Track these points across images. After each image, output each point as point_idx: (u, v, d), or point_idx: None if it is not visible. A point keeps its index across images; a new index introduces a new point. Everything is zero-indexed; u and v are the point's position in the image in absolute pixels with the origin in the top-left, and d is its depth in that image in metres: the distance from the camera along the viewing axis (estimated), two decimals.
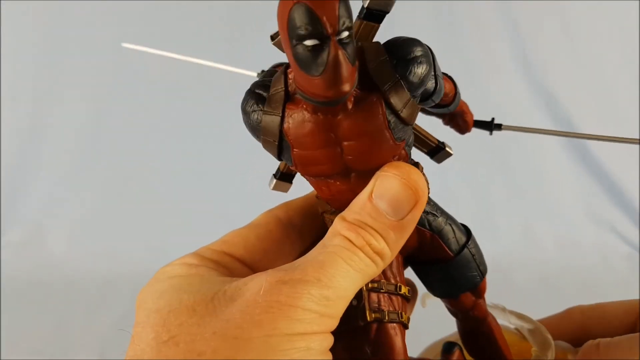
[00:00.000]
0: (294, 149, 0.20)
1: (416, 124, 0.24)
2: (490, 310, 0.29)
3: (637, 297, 0.73)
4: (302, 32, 0.16)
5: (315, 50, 0.17)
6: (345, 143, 0.20)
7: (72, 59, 0.92)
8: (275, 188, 0.25)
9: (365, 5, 0.20)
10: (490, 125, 0.30)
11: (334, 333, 0.19)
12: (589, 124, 0.95)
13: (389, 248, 0.19)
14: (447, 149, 0.27)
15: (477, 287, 0.25)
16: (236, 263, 0.21)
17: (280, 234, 0.23)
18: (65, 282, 0.76)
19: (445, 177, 0.93)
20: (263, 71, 0.26)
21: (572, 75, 0.95)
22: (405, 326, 0.23)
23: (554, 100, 0.95)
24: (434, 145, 0.27)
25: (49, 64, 0.92)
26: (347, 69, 0.17)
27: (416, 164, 0.23)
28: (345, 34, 0.17)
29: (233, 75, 1.00)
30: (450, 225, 0.25)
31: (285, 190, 0.24)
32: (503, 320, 0.32)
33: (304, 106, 0.19)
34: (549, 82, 0.95)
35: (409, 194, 0.19)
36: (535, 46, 0.94)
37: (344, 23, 0.17)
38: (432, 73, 0.21)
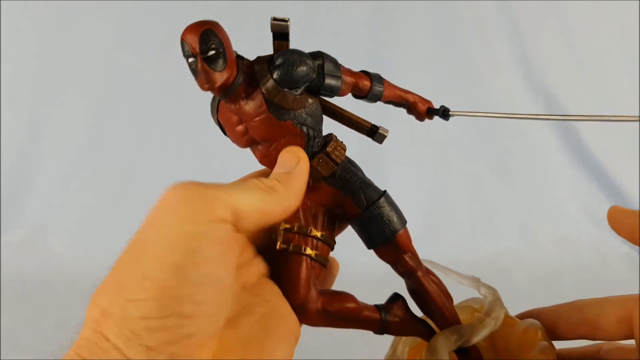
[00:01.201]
0: (226, 128, 0.30)
1: (349, 112, 0.32)
2: (463, 280, 0.35)
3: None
4: (185, 54, 0.27)
5: (193, 64, 0.27)
6: (247, 124, 0.29)
7: (72, 59, 0.92)
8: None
9: (271, 30, 0.29)
10: (439, 112, 0.35)
11: (272, 251, 0.28)
12: (588, 124, 0.95)
13: (280, 185, 0.26)
14: (381, 131, 0.32)
15: (389, 241, 0.30)
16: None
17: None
18: (66, 281, 0.76)
19: (445, 178, 0.93)
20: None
21: (571, 76, 0.95)
22: (315, 260, 0.29)
23: (553, 100, 0.95)
24: (368, 128, 0.32)
25: (49, 64, 0.92)
26: (211, 74, 0.26)
27: (329, 135, 0.30)
28: (211, 52, 0.26)
29: None
30: (361, 188, 0.30)
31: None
32: (474, 290, 0.35)
33: (224, 107, 0.29)
34: (548, 82, 0.95)
35: (291, 156, 0.27)
36: (536, 46, 0.94)
37: (209, 46, 0.26)
38: (309, 73, 0.28)
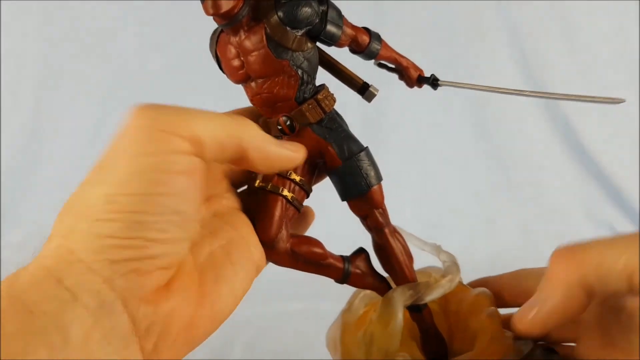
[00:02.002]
0: (222, 62, 0.30)
1: (343, 66, 0.33)
2: (425, 246, 0.37)
3: None
4: None
5: None
6: (244, 57, 0.29)
7: (74, 59, 0.92)
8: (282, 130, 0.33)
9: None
10: (429, 81, 0.36)
11: (251, 187, 0.30)
12: (588, 125, 0.96)
13: (269, 145, 0.26)
14: (372, 89, 0.33)
15: (364, 195, 0.31)
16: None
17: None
18: None
19: (445, 178, 0.93)
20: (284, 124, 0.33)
21: (570, 76, 0.95)
22: (290, 203, 0.30)
23: (552, 102, 0.95)
24: (359, 84, 0.33)
25: (50, 63, 0.93)
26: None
27: (322, 85, 0.31)
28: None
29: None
30: (344, 139, 0.31)
31: None
32: (435, 257, 0.38)
33: (224, 38, 0.29)
34: (547, 83, 0.95)
35: (297, 147, 0.28)
36: (534, 47, 0.94)
37: None
38: (313, 15, 0.29)
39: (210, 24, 0.93)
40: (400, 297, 0.31)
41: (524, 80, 0.95)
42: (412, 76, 0.35)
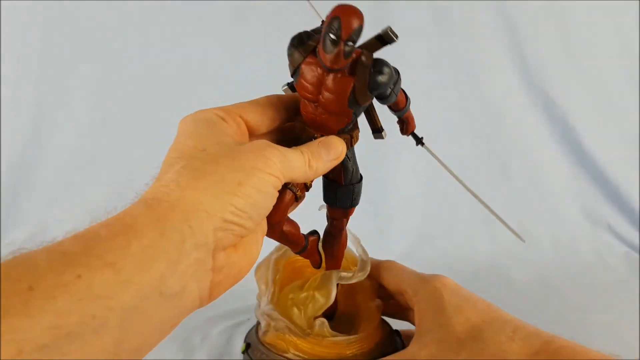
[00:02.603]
0: (301, 77, 0.36)
1: (374, 110, 0.40)
2: (350, 235, 0.49)
3: (636, 297, 0.73)
4: (332, 29, 0.31)
5: (333, 41, 0.31)
6: (324, 91, 0.35)
7: (75, 58, 0.92)
8: (284, 91, 0.41)
9: (381, 33, 0.34)
10: (417, 139, 0.47)
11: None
12: (586, 124, 0.96)
13: (317, 167, 0.35)
14: (383, 133, 0.42)
15: (345, 209, 0.43)
16: (243, 124, 0.36)
17: (273, 110, 0.37)
18: None
19: (444, 178, 0.93)
20: (288, 84, 0.41)
21: (569, 77, 0.96)
22: (297, 198, 0.38)
23: (550, 102, 0.95)
24: (376, 127, 0.41)
25: (52, 63, 0.93)
26: (341, 59, 0.32)
27: (357, 124, 0.39)
28: (350, 43, 0.32)
29: (235, 78, 1.01)
30: (353, 169, 0.41)
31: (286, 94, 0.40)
32: (356, 248, 0.51)
33: (316, 61, 0.35)
34: (545, 84, 0.95)
35: (339, 149, 0.36)
36: (533, 48, 0.95)
37: (351, 38, 0.32)
38: (390, 87, 0.35)
39: (210, 24, 0.92)
40: (335, 279, 0.46)
41: (523, 80, 0.96)
42: (409, 130, 0.45)
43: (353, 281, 0.47)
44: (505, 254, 0.87)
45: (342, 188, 0.41)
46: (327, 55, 0.32)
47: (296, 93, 0.37)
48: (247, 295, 0.57)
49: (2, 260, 0.22)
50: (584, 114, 0.96)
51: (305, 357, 0.45)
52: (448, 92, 0.95)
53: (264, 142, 0.32)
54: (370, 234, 0.89)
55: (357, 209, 0.71)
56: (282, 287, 0.50)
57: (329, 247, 0.47)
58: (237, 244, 0.31)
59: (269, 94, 0.38)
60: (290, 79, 0.38)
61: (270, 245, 0.49)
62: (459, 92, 0.95)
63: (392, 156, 0.90)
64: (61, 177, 0.93)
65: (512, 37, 0.94)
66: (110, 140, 0.94)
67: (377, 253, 0.86)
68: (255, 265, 0.40)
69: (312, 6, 0.46)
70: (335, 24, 0.31)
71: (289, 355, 0.45)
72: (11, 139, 0.93)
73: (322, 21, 0.37)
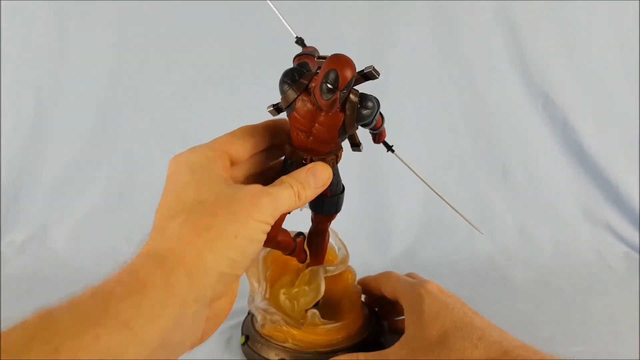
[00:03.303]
0: (294, 111, 0.40)
1: (355, 132, 0.45)
2: (330, 232, 0.53)
3: (636, 297, 0.73)
4: (329, 79, 0.36)
5: (330, 90, 0.36)
6: (316, 124, 0.40)
7: (75, 58, 0.92)
8: (270, 112, 0.44)
9: (365, 72, 0.38)
10: (388, 147, 0.49)
11: None
12: (586, 124, 0.96)
13: (306, 196, 0.38)
14: (360, 147, 0.46)
15: (330, 216, 0.49)
16: (227, 159, 0.38)
17: (250, 140, 0.40)
18: (68, 280, 0.76)
19: (444, 178, 0.93)
20: (273, 105, 0.44)
21: (569, 77, 0.96)
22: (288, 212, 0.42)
23: (550, 102, 0.95)
24: (355, 142, 0.46)
25: (52, 62, 0.93)
26: (336, 103, 0.38)
27: (341, 146, 0.44)
28: (345, 91, 0.37)
29: (235, 79, 1.01)
30: (337, 182, 0.46)
31: (273, 115, 0.44)
32: (335, 242, 0.58)
33: (310, 99, 0.39)
34: (545, 84, 0.95)
35: (325, 175, 0.40)
36: (533, 48, 0.95)
37: (348, 89, 0.37)
38: (372, 117, 0.40)
39: (210, 24, 0.91)
40: (322, 273, 0.52)
41: (523, 80, 0.96)
42: (380, 140, 0.48)
43: (336, 272, 0.54)
44: (505, 254, 0.87)
45: (328, 199, 0.47)
46: (324, 100, 0.37)
47: (268, 121, 0.43)
48: (246, 296, 0.58)
49: (29, 319, 0.27)
50: (584, 114, 0.96)
51: (302, 345, 0.51)
52: (448, 92, 0.95)
53: (258, 189, 0.35)
54: (371, 234, 0.90)
55: (357, 210, 0.85)
56: (272, 283, 0.55)
57: (314, 245, 0.53)
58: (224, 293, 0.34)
59: (242, 125, 0.42)
60: (276, 101, 0.43)
61: None
62: (459, 92, 0.95)
63: (392, 158, 0.90)
64: (61, 177, 0.93)
65: (512, 37, 0.94)
66: (110, 141, 0.94)
67: (377, 253, 0.86)
68: None
69: (272, 6, 0.50)
70: (332, 76, 0.36)
71: (287, 345, 0.51)
72: (11, 138, 0.93)
73: (298, 39, 0.48)
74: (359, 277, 0.60)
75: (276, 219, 0.35)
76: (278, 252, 0.53)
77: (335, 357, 0.49)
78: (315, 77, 0.39)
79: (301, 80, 0.40)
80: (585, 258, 0.87)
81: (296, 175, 0.38)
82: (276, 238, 0.45)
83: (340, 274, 0.55)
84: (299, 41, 0.49)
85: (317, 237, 0.53)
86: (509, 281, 0.78)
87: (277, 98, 0.50)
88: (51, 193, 0.93)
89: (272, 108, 0.45)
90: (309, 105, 0.39)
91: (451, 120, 0.96)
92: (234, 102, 0.92)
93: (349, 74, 0.36)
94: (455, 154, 0.96)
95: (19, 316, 0.27)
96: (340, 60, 0.37)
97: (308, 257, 0.54)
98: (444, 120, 0.96)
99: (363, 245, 0.87)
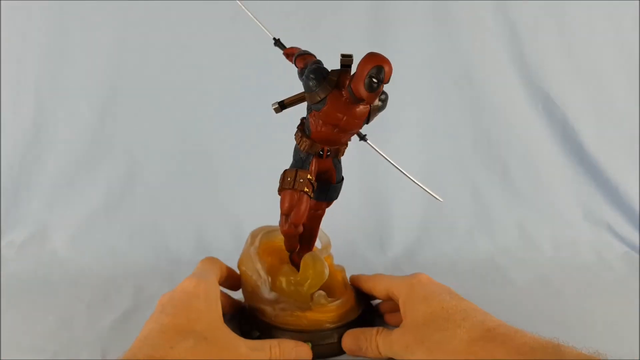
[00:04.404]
0: (329, 106, 0.44)
1: None
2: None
3: (636, 297, 0.73)
4: (374, 74, 0.41)
5: (376, 84, 0.41)
6: (345, 117, 0.45)
7: (75, 58, 0.92)
8: (275, 109, 0.49)
9: (341, 64, 0.44)
10: (361, 136, 0.53)
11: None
12: (586, 124, 0.96)
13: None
14: (366, 137, 0.52)
15: (331, 201, 0.55)
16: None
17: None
18: (68, 280, 0.76)
19: (444, 178, 0.93)
20: (278, 102, 0.49)
21: (569, 77, 0.96)
22: (311, 197, 0.50)
23: (550, 102, 0.95)
24: (362, 134, 0.52)
25: (52, 63, 0.93)
26: (377, 97, 0.43)
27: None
28: (385, 85, 0.42)
29: (233, 78, 1.01)
30: (340, 171, 0.53)
31: (277, 112, 0.50)
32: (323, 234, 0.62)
33: (345, 94, 0.44)
34: (545, 84, 0.95)
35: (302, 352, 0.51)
36: (533, 48, 0.94)
37: (387, 81, 0.42)
38: (385, 107, 0.47)
39: (208, 25, 0.91)
40: (319, 255, 0.56)
41: (523, 80, 0.96)
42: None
43: (324, 255, 0.59)
44: (505, 254, 0.87)
45: (333, 186, 0.53)
46: (369, 93, 0.42)
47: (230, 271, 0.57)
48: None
49: None
50: (584, 114, 0.96)
51: (316, 324, 0.54)
52: (448, 92, 0.95)
53: (245, 349, 0.45)
54: (371, 234, 0.90)
55: (357, 210, 0.88)
56: (274, 275, 0.58)
57: (308, 231, 0.58)
58: None
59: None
60: (280, 98, 0.47)
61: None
62: (459, 91, 0.95)
63: (391, 157, 0.90)
64: (61, 177, 0.93)
65: (512, 37, 0.94)
66: (110, 140, 0.93)
67: (377, 253, 0.86)
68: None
69: (243, 6, 0.52)
70: (380, 71, 0.41)
71: (302, 326, 0.54)
72: (11, 138, 0.93)
73: (280, 47, 0.54)
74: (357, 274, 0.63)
75: None
76: (269, 245, 0.60)
77: (353, 330, 0.54)
78: (344, 74, 0.44)
79: (330, 77, 0.44)
80: (585, 258, 0.87)
81: (283, 345, 0.49)
82: (301, 225, 0.51)
83: (325, 258, 0.60)
84: (277, 42, 0.54)
85: (313, 223, 0.57)
86: (509, 281, 0.78)
87: (276, 97, 0.51)
88: (51, 193, 0.93)
89: (277, 105, 0.49)
90: (342, 99, 0.44)
91: (451, 120, 0.96)
92: (233, 102, 0.92)
93: (390, 69, 0.41)
94: (455, 154, 0.96)
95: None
96: (381, 57, 0.41)
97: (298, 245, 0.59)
98: (444, 121, 0.95)
99: (363, 245, 0.87)
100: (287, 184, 0.49)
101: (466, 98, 0.95)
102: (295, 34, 0.56)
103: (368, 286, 0.59)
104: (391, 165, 0.54)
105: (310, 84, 0.44)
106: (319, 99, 0.44)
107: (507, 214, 0.94)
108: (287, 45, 0.54)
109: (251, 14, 0.54)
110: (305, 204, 0.48)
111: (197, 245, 0.87)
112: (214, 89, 0.93)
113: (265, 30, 0.55)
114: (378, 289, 0.57)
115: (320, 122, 0.46)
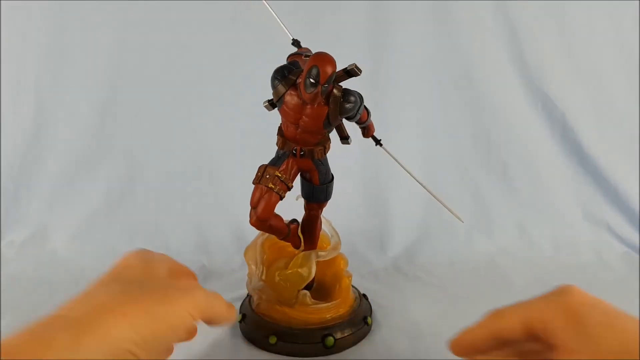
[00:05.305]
0: (285, 105, 0.46)
1: (342, 123, 0.51)
2: (323, 219, 0.59)
3: (636, 297, 0.73)
4: (311, 75, 0.41)
5: (312, 84, 0.42)
6: (303, 117, 0.45)
7: (75, 58, 0.92)
8: (266, 107, 0.50)
9: (348, 69, 0.44)
10: (376, 141, 0.55)
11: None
12: (586, 124, 0.96)
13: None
14: (349, 140, 0.52)
15: (320, 203, 0.55)
16: None
17: None
18: (69, 280, 0.76)
19: (444, 178, 0.93)
20: (268, 101, 0.49)
21: (568, 77, 0.95)
22: (281, 198, 0.50)
23: (550, 102, 0.95)
24: (344, 135, 0.52)
25: (52, 63, 0.93)
26: (318, 96, 0.43)
27: (327, 139, 0.51)
28: (326, 85, 0.42)
29: (233, 78, 1.00)
30: (325, 172, 0.52)
31: (269, 110, 0.51)
32: (329, 230, 0.63)
33: (297, 93, 0.44)
34: (545, 84, 0.95)
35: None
36: (533, 48, 0.94)
37: (327, 82, 0.42)
38: (355, 111, 0.46)
39: (208, 25, 0.91)
40: (314, 257, 0.57)
41: (523, 80, 0.96)
42: (369, 134, 0.55)
43: (328, 258, 0.59)
44: (505, 254, 0.87)
45: (317, 187, 0.53)
46: (307, 94, 0.42)
47: None
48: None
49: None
50: (584, 114, 0.96)
51: (294, 322, 0.55)
52: (448, 92, 0.95)
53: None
54: (371, 234, 0.90)
55: (357, 209, 0.88)
56: (269, 266, 0.59)
57: (307, 231, 0.58)
58: None
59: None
60: (270, 97, 0.48)
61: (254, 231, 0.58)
62: (459, 91, 0.95)
63: (391, 158, 0.90)
64: (61, 177, 0.93)
65: (512, 37, 0.94)
66: (110, 140, 0.93)
67: (377, 253, 0.86)
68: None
69: (268, 5, 0.53)
70: (314, 72, 0.41)
71: (281, 322, 0.55)
72: (11, 138, 0.93)
73: (294, 40, 0.53)
74: (357, 274, 0.63)
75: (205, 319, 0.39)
76: (275, 239, 0.58)
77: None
78: (301, 74, 0.44)
79: (290, 76, 0.45)
80: (585, 258, 0.87)
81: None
82: (269, 222, 0.49)
83: (332, 260, 0.60)
84: (295, 43, 0.54)
85: (310, 223, 0.58)
86: (508, 281, 0.78)
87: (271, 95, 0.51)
88: (51, 193, 0.93)
89: (267, 103, 0.50)
90: (296, 99, 0.45)
91: (451, 120, 0.96)
92: (233, 102, 0.92)
93: (329, 69, 0.41)
94: (455, 154, 0.96)
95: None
96: (322, 58, 0.41)
97: (302, 242, 0.59)
98: (444, 120, 0.95)
99: (363, 244, 0.87)
100: (256, 178, 0.50)
101: (466, 98, 0.95)
102: (295, 34, 0.56)
103: (496, 326, 0.38)
104: (405, 171, 0.57)
105: (273, 82, 0.46)
106: (277, 97, 0.46)
107: (507, 214, 0.94)
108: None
109: (274, 14, 0.55)
110: (271, 200, 0.49)
111: (197, 245, 0.87)
112: (214, 89, 0.93)
113: (286, 30, 0.55)
114: (512, 327, 0.37)
115: (283, 119, 0.48)
